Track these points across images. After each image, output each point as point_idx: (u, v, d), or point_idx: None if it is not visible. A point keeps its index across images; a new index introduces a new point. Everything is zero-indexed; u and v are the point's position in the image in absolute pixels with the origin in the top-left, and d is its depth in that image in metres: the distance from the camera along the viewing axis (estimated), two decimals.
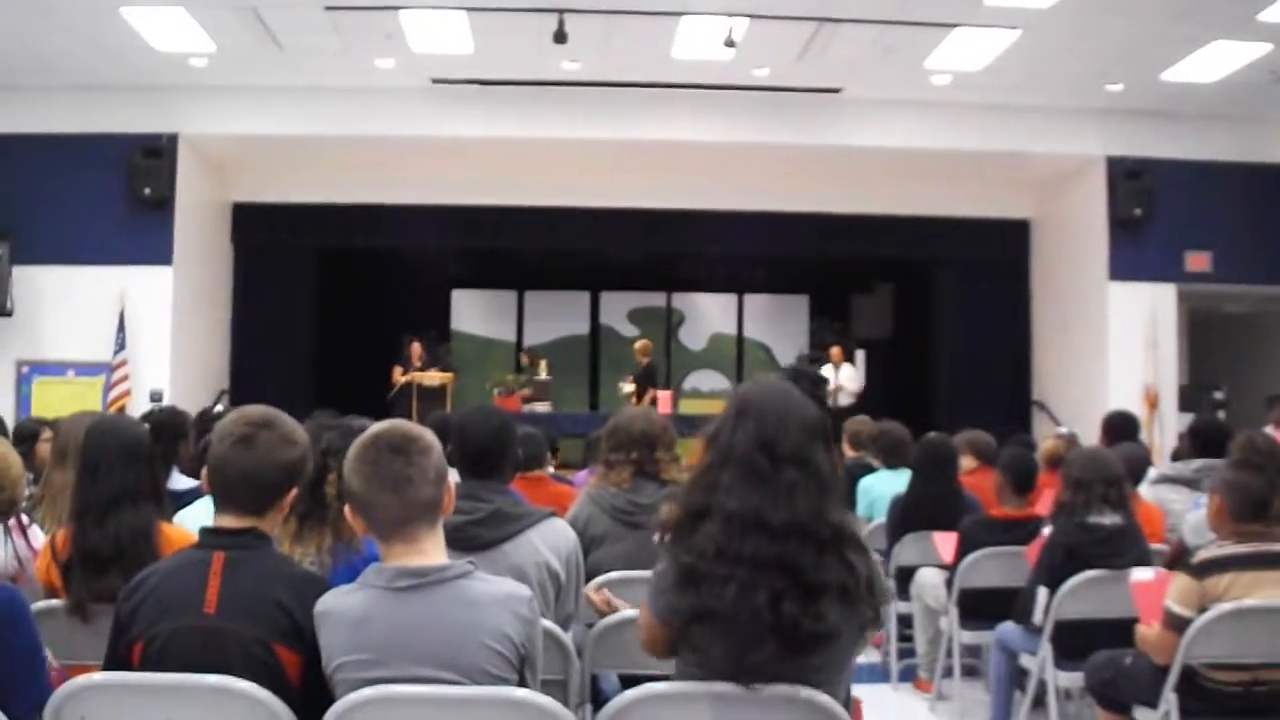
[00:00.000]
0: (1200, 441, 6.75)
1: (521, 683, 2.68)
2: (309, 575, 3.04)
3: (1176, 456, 7.52)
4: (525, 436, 5.69)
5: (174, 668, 2.67)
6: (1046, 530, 5.49)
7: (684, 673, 2.73)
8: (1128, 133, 13.59)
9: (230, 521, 2.85)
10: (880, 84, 12.89)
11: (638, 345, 15.37)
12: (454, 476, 3.07)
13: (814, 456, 2.66)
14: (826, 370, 15.03)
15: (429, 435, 2.78)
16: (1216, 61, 11.76)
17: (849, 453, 8.70)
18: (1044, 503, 5.98)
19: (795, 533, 2.56)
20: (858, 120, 13.53)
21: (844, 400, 14.83)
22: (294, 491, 2.91)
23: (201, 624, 2.69)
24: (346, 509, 2.78)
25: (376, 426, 2.81)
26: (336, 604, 2.67)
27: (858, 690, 2.92)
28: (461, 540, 3.41)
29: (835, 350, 15.44)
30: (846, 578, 2.56)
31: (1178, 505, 6.23)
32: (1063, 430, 9.70)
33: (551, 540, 3.75)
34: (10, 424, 6.90)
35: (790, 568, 2.54)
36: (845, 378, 15.32)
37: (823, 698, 2.64)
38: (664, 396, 14.22)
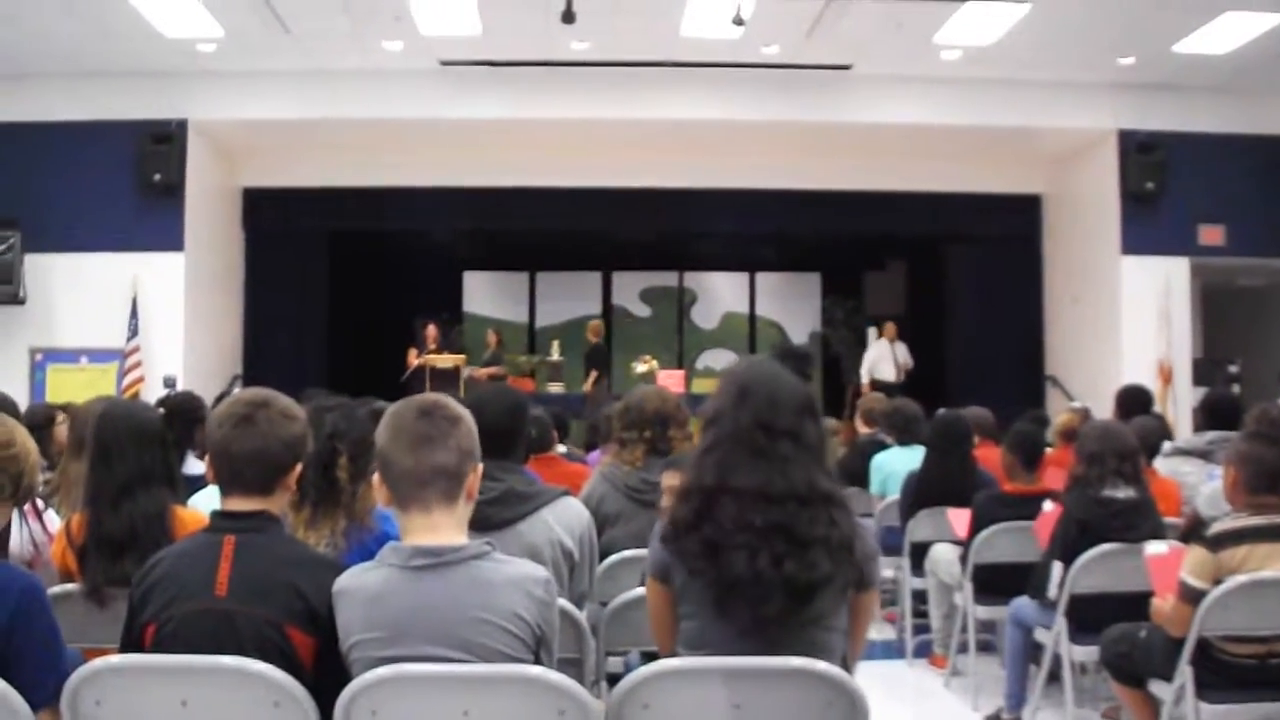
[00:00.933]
0: (1212, 415, 6.74)
1: (537, 664, 2.68)
2: (321, 558, 3.06)
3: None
4: (532, 419, 5.69)
5: (186, 650, 2.68)
6: (1048, 505, 5.49)
7: (689, 640, 2.83)
8: (1140, 106, 13.50)
9: (239, 504, 2.86)
10: (890, 60, 12.83)
11: (590, 325, 15.41)
12: None
13: (805, 430, 2.89)
14: (880, 346, 14.98)
15: (463, 411, 2.82)
16: (1229, 33, 11.66)
17: (863, 429, 8.71)
18: (1056, 477, 5.98)
19: (792, 499, 2.79)
20: (868, 97, 13.47)
21: (886, 375, 14.91)
22: (298, 468, 2.92)
23: (213, 606, 2.70)
24: (375, 477, 2.79)
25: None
26: (354, 582, 2.70)
27: (872, 667, 2.98)
28: (475, 520, 3.35)
29: (889, 326, 15.43)
30: (831, 532, 2.79)
31: (1191, 478, 6.23)
32: (1076, 404, 9.68)
33: (565, 519, 3.75)
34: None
35: (788, 531, 2.77)
36: (901, 354, 15.33)
37: (837, 672, 2.68)
38: (676, 375, 14.24)
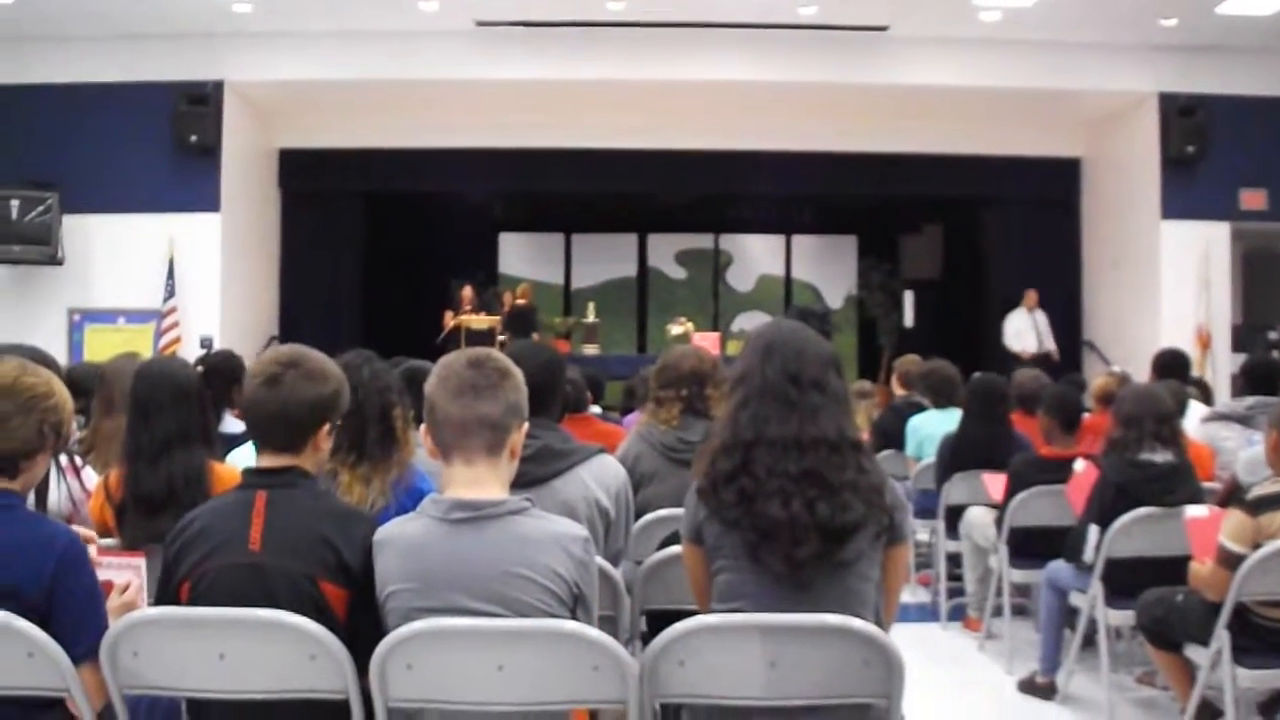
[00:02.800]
0: (1253, 380, 6.71)
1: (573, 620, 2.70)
2: (353, 511, 3.09)
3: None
4: (567, 380, 5.69)
5: (221, 604, 2.71)
6: (1079, 466, 5.46)
7: (724, 593, 2.88)
8: (1181, 68, 13.35)
9: (270, 461, 2.89)
10: (928, 21, 12.73)
11: (518, 288, 15.35)
12: None
13: (831, 381, 2.98)
14: (1020, 315, 14.56)
15: (514, 367, 2.86)
16: None
17: (899, 391, 8.68)
18: (1094, 443, 5.94)
19: (823, 445, 2.89)
20: (905, 58, 13.38)
21: (1029, 346, 14.30)
22: (326, 428, 2.92)
23: (247, 560, 2.73)
24: (423, 427, 2.82)
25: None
26: (394, 532, 2.73)
27: (907, 629, 3.02)
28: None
29: (1030, 295, 14.70)
30: (860, 477, 2.87)
31: (1230, 443, 6.20)
32: (1115, 369, 9.62)
33: (601, 477, 3.73)
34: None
35: (819, 477, 2.85)
36: (1043, 324, 14.60)
37: (874, 630, 2.69)
38: (711, 338, 14.20)
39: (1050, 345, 14.36)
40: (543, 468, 3.61)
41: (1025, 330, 14.40)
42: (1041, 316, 14.61)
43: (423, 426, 2.84)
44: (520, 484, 3.37)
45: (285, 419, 2.86)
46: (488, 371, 2.77)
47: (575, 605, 2.71)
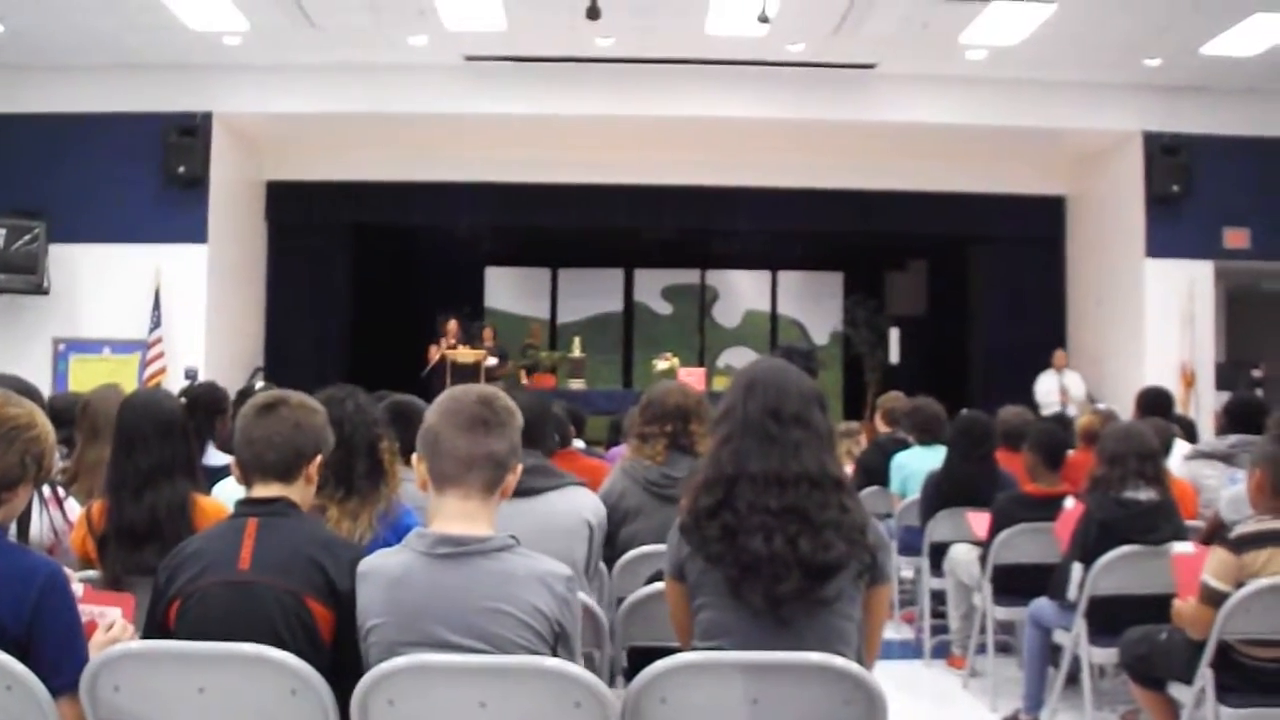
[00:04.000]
0: (1235, 418, 6.73)
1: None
2: (341, 539, 3.14)
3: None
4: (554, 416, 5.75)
5: (209, 622, 2.74)
6: (1069, 504, 5.47)
7: (706, 630, 2.89)
8: (1165, 108, 13.45)
9: (261, 491, 2.95)
10: (915, 59, 12.79)
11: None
12: None
13: (813, 417, 3.00)
14: (1049, 377, 14.06)
15: (517, 409, 2.90)
16: (1258, 34, 11.58)
17: (882, 428, 8.68)
18: (1078, 481, 5.95)
19: (804, 481, 2.90)
20: (892, 96, 13.44)
21: (1054, 405, 13.29)
22: (319, 458, 2.99)
23: (236, 579, 2.78)
24: (414, 457, 2.84)
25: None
26: (377, 565, 2.75)
27: (890, 666, 3.03)
28: None
29: (1059, 355, 14.29)
30: (842, 516, 2.88)
31: (1212, 480, 6.22)
32: (1101, 406, 9.63)
33: (585, 501, 4.03)
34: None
35: (801, 512, 2.86)
36: (1074, 385, 13.99)
37: (856, 668, 2.68)
38: (697, 373, 14.20)
39: (1078, 401, 13.60)
40: (536, 481, 3.84)
41: (1053, 390, 14.07)
42: (1073, 376, 14.19)
43: (414, 456, 2.85)
44: (519, 493, 3.60)
45: (285, 444, 2.94)
46: (497, 409, 2.81)
47: (556, 642, 2.71)
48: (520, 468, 2.89)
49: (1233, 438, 6.44)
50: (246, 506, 2.94)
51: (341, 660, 2.72)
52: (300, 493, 2.98)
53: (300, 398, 3.06)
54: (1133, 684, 4.85)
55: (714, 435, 3.07)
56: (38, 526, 3.88)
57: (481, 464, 2.76)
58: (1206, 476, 6.29)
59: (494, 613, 2.63)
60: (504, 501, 2.85)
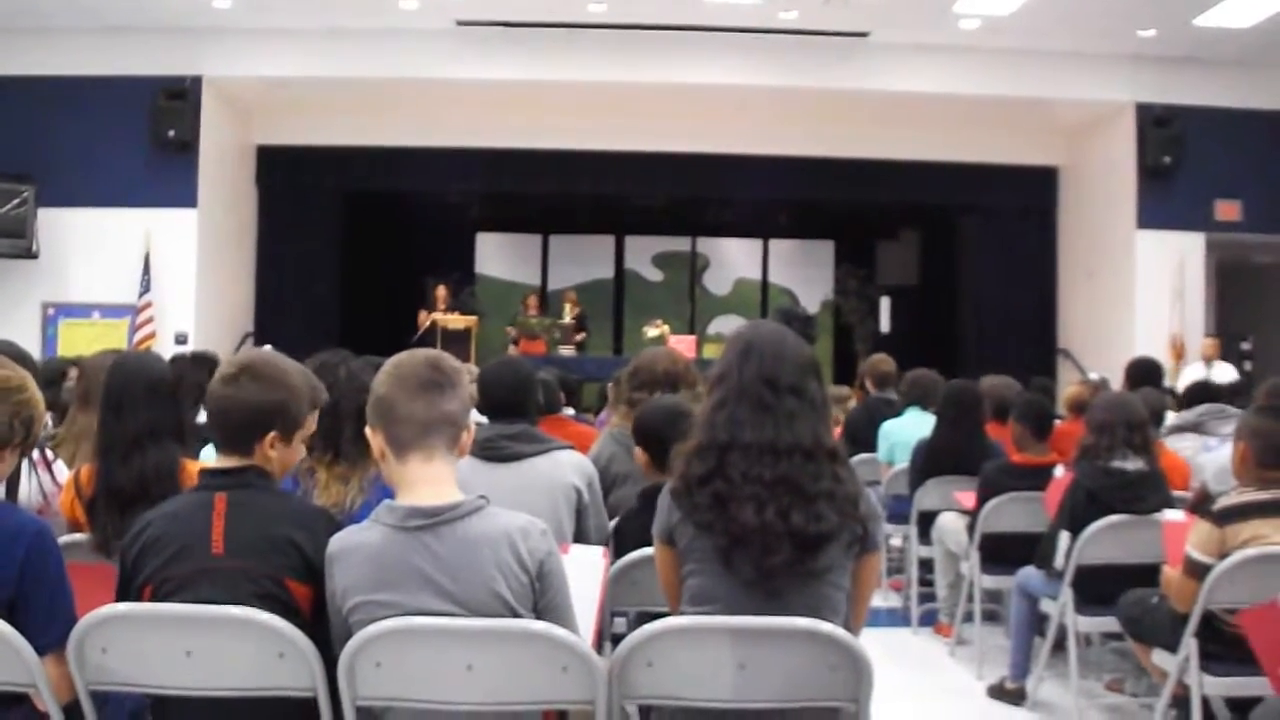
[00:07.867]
0: (1192, 402, 6.81)
1: (538, 612, 2.70)
2: (314, 508, 3.10)
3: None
4: (539, 382, 5.74)
5: None
6: (1059, 473, 5.49)
7: (695, 595, 2.88)
8: (1158, 79, 13.43)
9: (226, 461, 2.89)
10: (908, 28, 12.77)
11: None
12: (475, 416, 3.15)
13: (809, 387, 2.95)
14: (1197, 367, 12.70)
15: (461, 366, 2.88)
16: (1251, 6, 11.59)
17: (871, 390, 8.65)
18: (1066, 450, 5.97)
19: (798, 452, 2.87)
20: (885, 65, 13.41)
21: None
22: (271, 435, 2.88)
23: (211, 565, 2.72)
24: (368, 430, 2.81)
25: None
26: (351, 542, 2.70)
27: (877, 634, 3.04)
28: (494, 451, 3.88)
29: (1209, 343, 13.04)
30: (835, 487, 2.86)
31: (1189, 451, 6.26)
32: (1093, 375, 9.62)
33: (574, 463, 4.09)
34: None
35: (794, 484, 2.84)
36: (1223, 376, 11.33)
37: (842, 634, 2.69)
38: (687, 340, 14.19)
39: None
40: (524, 446, 3.98)
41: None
42: (1223, 367, 12.60)
43: (367, 429, 2.82)
44: (502, 458, 3.89)
45: (228, 420, 2.87)
46: (446, 370, 2.77)
47: (541, 595, 2.70)
48: (474, 428, 2.88)
49: (1201, 407, 6.55)
50: (212, 478, 2.87)
51: (323, 632, 2.69)
52: (268, 460, 2.89)
53: (270, 364, 2.95)
54: (1133, 644, 4.88)
55: (707, 398, 3.03)
56: (26, 489, 3.87)
57: (439, 425, 2.73)
58: (1184, 449, 6.33)
59: (472, 577, 2.62)
60: (485, 466, 2.86)
